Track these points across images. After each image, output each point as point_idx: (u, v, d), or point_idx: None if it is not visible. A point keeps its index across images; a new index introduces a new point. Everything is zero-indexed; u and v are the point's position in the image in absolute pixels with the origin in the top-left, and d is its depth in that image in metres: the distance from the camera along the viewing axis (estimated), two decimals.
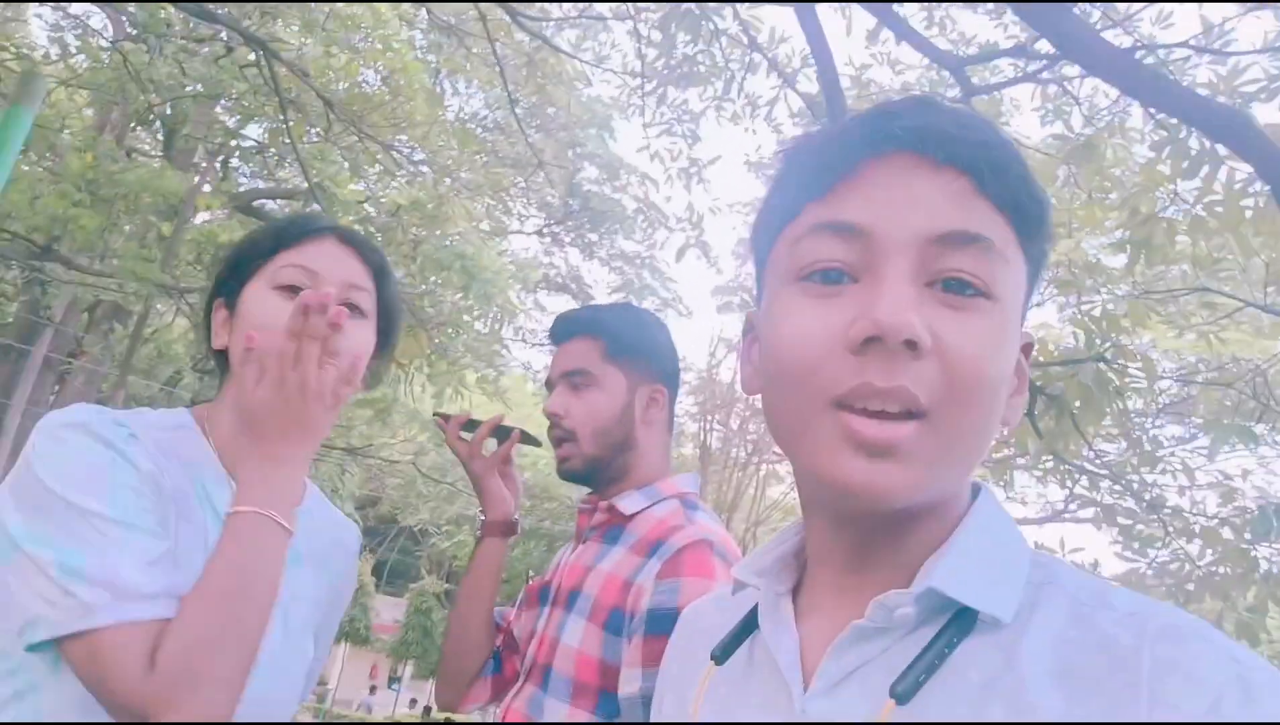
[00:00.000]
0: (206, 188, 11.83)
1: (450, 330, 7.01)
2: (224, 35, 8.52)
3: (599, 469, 1.41)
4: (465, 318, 7.24)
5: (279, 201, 13.68)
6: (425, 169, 7.27)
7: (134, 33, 8.79)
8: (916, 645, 0.55)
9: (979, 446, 0.55)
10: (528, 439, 1.54)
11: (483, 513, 1.51)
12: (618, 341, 1.43)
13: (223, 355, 1.12)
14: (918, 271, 0.54)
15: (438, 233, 7.01)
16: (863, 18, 4.29)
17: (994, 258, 0.54)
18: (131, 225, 9.15)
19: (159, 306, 13.83)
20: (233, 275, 1.12)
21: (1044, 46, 3.68)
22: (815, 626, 0.61)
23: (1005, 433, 0.60)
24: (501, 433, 1.52)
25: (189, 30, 8.11)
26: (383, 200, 7.39)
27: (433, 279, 6.94)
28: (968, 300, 0.54)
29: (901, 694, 0.53)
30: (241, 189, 13.22)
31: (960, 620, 0.54)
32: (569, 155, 11.93)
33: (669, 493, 1.39)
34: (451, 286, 6.96)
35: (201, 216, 11.32)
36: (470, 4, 5.58)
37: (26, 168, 9.01)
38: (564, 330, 1.47)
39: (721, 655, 0.67)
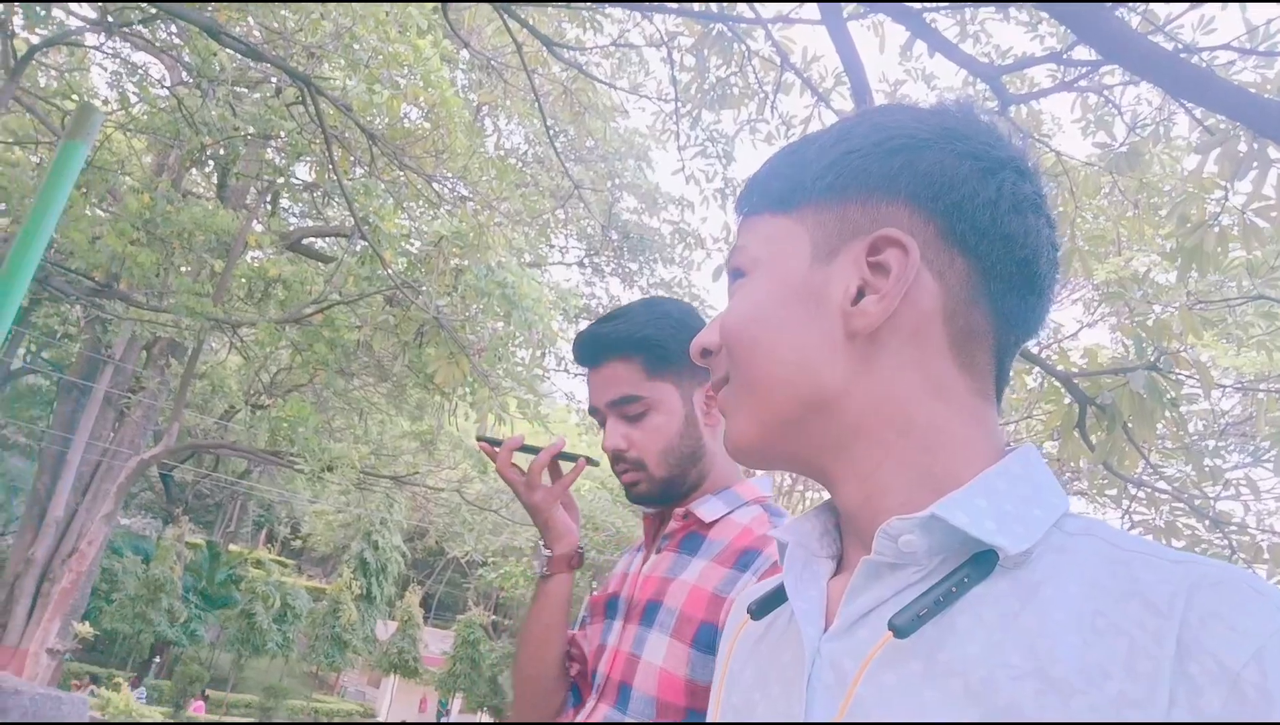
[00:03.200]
0: (258, 226, 12.20)
1: (492, 356, 7.09)
2: (273, 79, 8.84)
3: (674, 488, 1.31)
4: (506, 345, 7.31)
5: (327, 239, 14.05)
6: (467, 200, 7.41)
7: (189, 78, 9.16)
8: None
9: (767, 376, 0.62)
10: (592, 463, 1.43)
11: (547, 547, 1.39)
12: (656, 354, 1.31)
13: None
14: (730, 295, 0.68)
15: (478, 262, 7.12)
16: (896, 33, 4.28)
17: (741, 250, 0.67)
18: (186, 263, 9.47)
19: (213, 343, 14.23)
20: None
21: (1082, 54, 3.62)
22: (845, 579, 0.61)
23: (864, 324, 0.60)
24: (563, 458, 1.41)
25: (240, 73, 8.43)
26: (425, 232, 7.54)
27: (474, 307, 7.03)
28: (735, 286, 0.67)
29: (900, 627, 0.52)
30: (291, 227, 13.61)
31: (979, 562, 0.54)
32: (608, 186, 12.07)
33: (749, 497, 1.31)
34: (492, 314, 7.05)
35: (254, 254, 11.67)
36: (505, 34, 5.70)
37: (89, 211, 9.40)
38: (594, 353, 1.35)
39: (758, 610, 0.67)
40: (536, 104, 5.60)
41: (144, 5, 6.43)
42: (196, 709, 16.58)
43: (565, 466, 1.45)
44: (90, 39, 9.34)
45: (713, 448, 1.33)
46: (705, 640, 1.16)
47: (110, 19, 7.63)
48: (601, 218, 10.88)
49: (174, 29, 8.58)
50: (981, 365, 0.60)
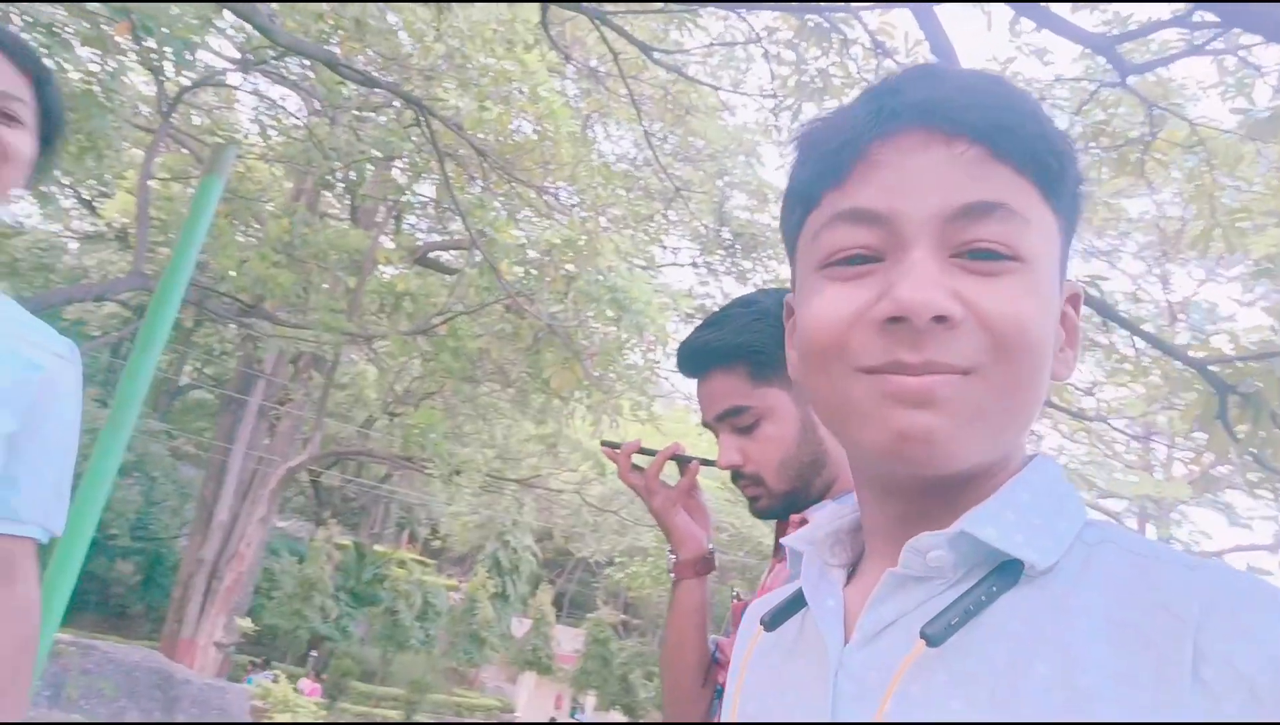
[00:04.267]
0: (388, 243, 12.89)
1: (604, 360, 7.22)
2: (394, 103, 9.32)
3: (797, 500, 1.23)
4: (618, 349, 7.43)
5: (451, 252, 14.69)
6: (575, 208, 7.59)
7: (320, 109, 9.79)
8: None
9: (1025, 403, 0.55)
10: (706, 464, 1.39)
11: (673, 552, 1.36)
12: (758, 359, 1.21)
13: None
14: (941, 247, 0.54)
15: (589, 267, 7.27)
16: (1003, 10, 4.09)
17: (1017, 221, 0.54)
18: (323, 281, 10.13)
19: (352, 356, 15.15)
20: None
21: (1206, 16, 3.35)
22: (861, 588, 0.61)
23: (1062, 374, 0.57)
24: (680, 462, 1.38)
25: (363, 100, 8.94)
26: (538, 241, 7.76)
27: (586, 312, 7.19)
28: (997, 264, 0.53)
29: (932, 636, 0.51)
30: (419, 243, 14.30)
31: (1005, 572, 0.53)
32: (717, 185, 12.03)
33: None
34: (604, 318, 7.18)
35: (385, 269, 12.34)
36: (603, 45, 5.81)
37: (241, 239, 10.22)
38: (694, 365, 1.28)
39: (771, 622, 0.67)
40: (635, 109, 5.67)
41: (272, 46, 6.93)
42: (311, 693, 17.48)
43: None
44: (233, 78, 10.15)
45: (836, 452, 1.23)
46: None
47: (248, 57, 8.26)
48: (711, 217, 10.87)
49: (305, 63, 9.20)
50: None
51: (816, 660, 0.59)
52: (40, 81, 1.15)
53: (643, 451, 1.38)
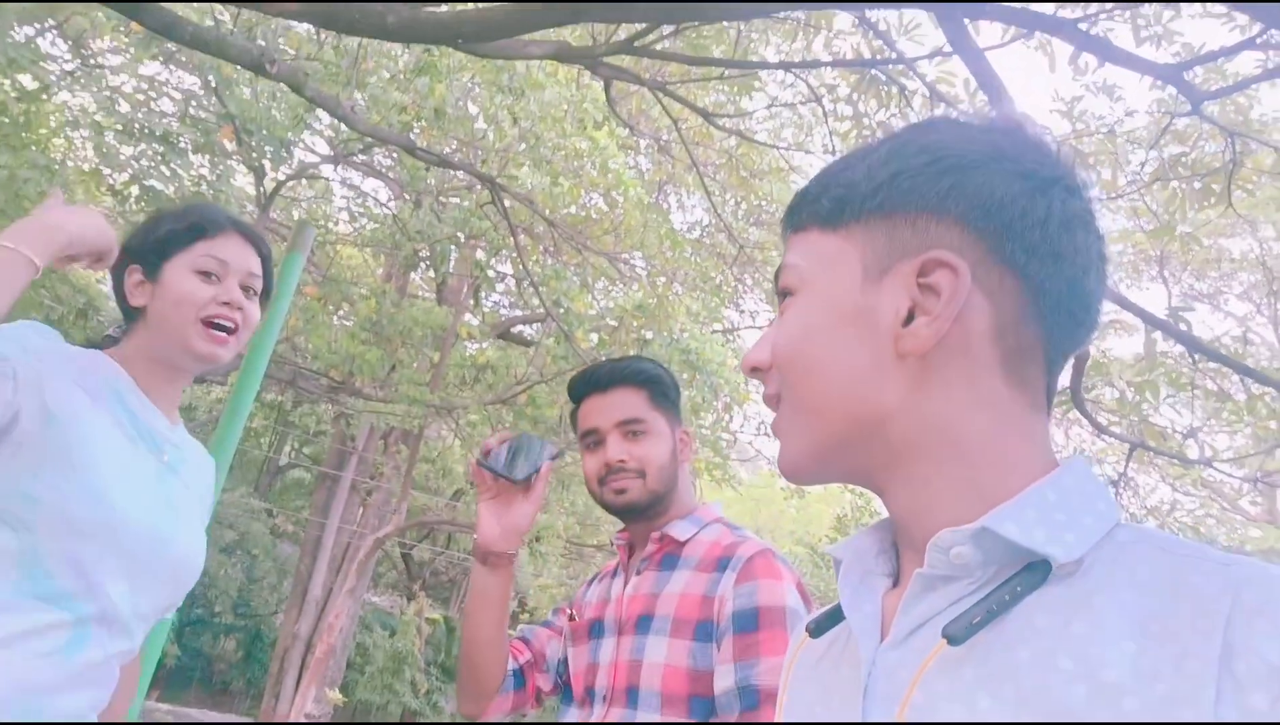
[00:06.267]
0: (473, 320, 13.32)
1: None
2: (474, 188, 9.76)
3: (655, 502, 1.54)
4: (694, 412, 7.42)
5: (532, 327, 15.07)
6: (644, 274, 7.71)
7: (402, 194, 10.33)
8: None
9: (821, 395, 0.63)
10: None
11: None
12: (659, 389, 1.58)
13: (134, 311, 1.41)
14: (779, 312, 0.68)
15: (663, 332, 7.34)
16: (1063, 48, 4.04)
17: (795, 269, 0.66)
18: (408, 357, 10.50)
19: (441, 431, 15.55)
20: (151, 251, 1.40)
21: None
22: (899, 594, 0.63)
23: (915, 346, 0.61)
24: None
25: (444, 184, 9.39)
26: (611, 307, 7.90)
27: None
28: (785, 304, 0.67)
29: (954, 635, 0.53)
30: (502, 317, 14.73)
31: (1032, 571, 0.55)
32: None
33: (710, 518, 1.57)
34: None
35: (470, 345, 12.72)
36: (667, 116, 5.97)
37: (337, 323, 10.74)
38: (607, 379, 1.60)
39: (816, 629, 0.70)
40: (698, 176, 5.78)
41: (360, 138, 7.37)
42: None
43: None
44: (325, 171, 10.82)
45: (681, 481, 1.59)
46: (704, 633, 1.38)
47: (338, 151, 8.80)
48: None
49: (393, 155, 9.76)
50: (1032, 380, 0.61)
51: (854, 662, 0.62)
52: (265, 258, 1.47)
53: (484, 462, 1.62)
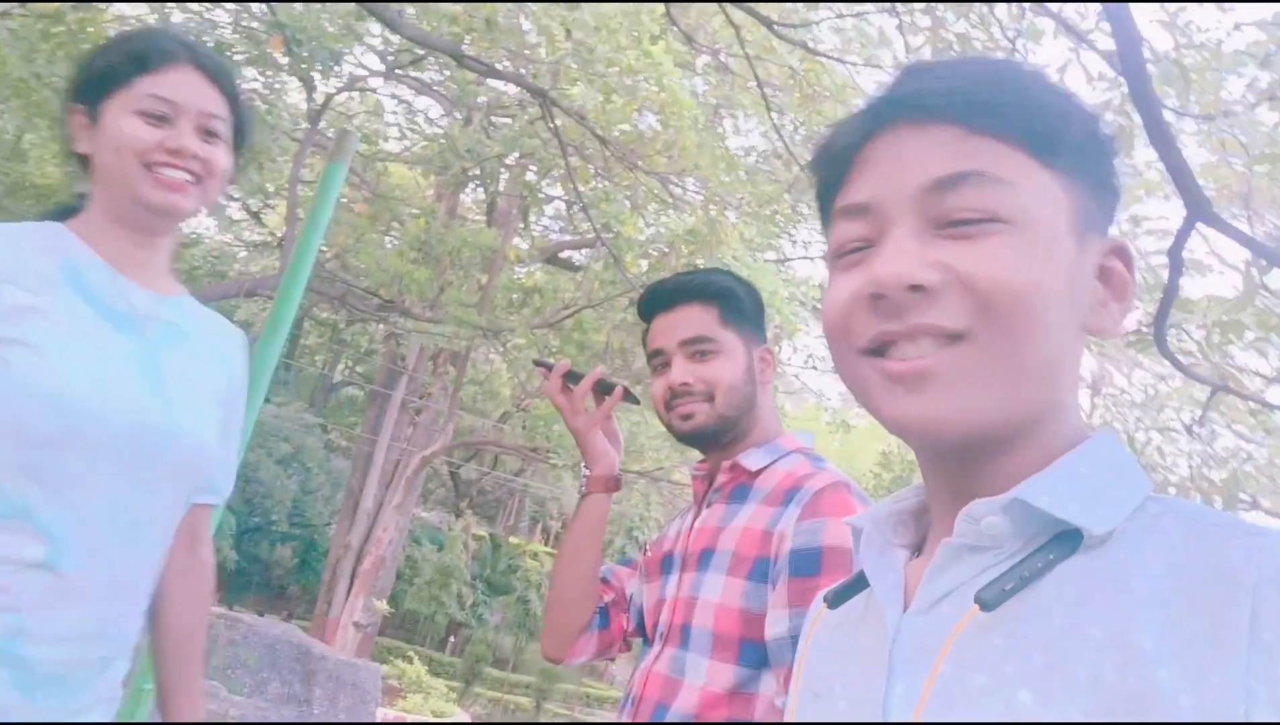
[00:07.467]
0: (522, 243, 13.22)
1: None
2: (526, 105, 9.53)
3: (726, 428, 1.40)
4: None
5: (581, 253, 14.93)
6: (699, 198, 7.48)
7: (453, 112, 10.15)
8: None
9: (1033, 361, 0.55)
10: (629, 397, 1.55)
11: (586, 468, 1.54)
12: (731, 305, 1.44)
13: (83, 160, 1.23)
14: (923, 223, 0.56)
15: (713, 258, 7.16)
16: None
17: (995, 185, 0.55)
18: (457, 278, 10.49)
19: (490, 355, 15.67)
20: (92, 86, 1.20)
21: None
22: (923, 564, 0.61)
23: (1109, 330, 0.58)
24: (603, 387, 1.54)
25: (495, 99, 9.18)
26: (662, 233, 7.72)
27: None
28: (976, 228, 0.55)
29: (986, 601, 0.52)
30: (551, 241, 14.62)
31: (1062, 541, 0.54)
32: None
33: (791, 447, 1.42)
34: None
35: (519, 268, 12.67)
36: (728, 28, 5.66)
37: (388, 243, 10.73)
38: (672, 296, 1.46)
39: (834, 599, 0.69)
40: (760, 91, 5.50)
41: (410, 48, 7.20)
42: None
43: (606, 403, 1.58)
44: (376, 85, 10.67)
45: (761, 405, 1.43)
46: (760, 572, 1.25)
47: (389, 61, 8.63)
48: None
49: (445, 72, 9.56)
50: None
51: (877, 630, 0.60)
52: (234, 98, 1.26)
53: (572, 374, 1.54)
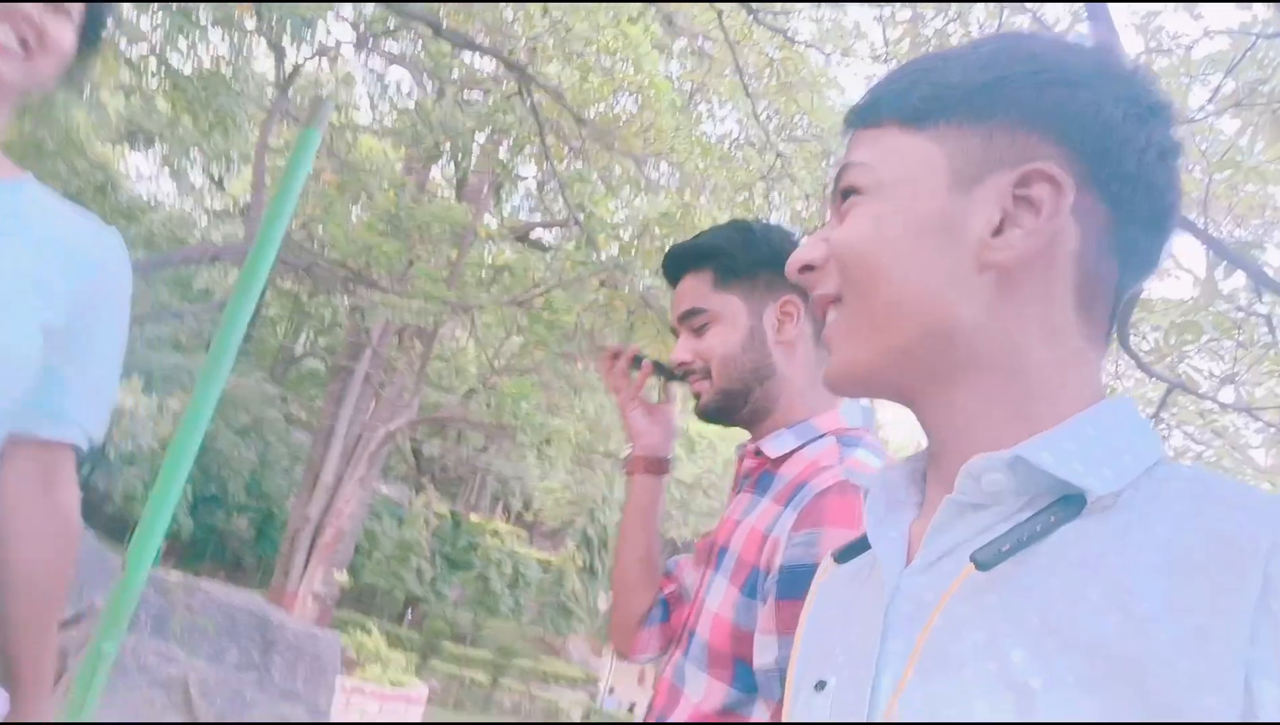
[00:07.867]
0: (492, 221, 13.11)
1: None
2: (501, 80, 9.44)
3: (734, 404, 1.24)
4: None
5: (552, 233, 14.86)
6: (674, 181, 7.48)
7: (425, 84, 10.01)
8: None
9: (889, 309, 0.60)
10: (662, 371, 1.44)
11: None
12: (724, 264, 1.26)
13: None
14: (835, 214, 0.65)
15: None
16: None
17: (857, 167, 0.62)
18: (426, 253, 10.37)
19: (456, 332, 15.54)
20: None
21: None
22: (926, 521, 0.61)
23: (1005, 258, 0.58)
24: (662, 371, 1.42)
25: (468, 75, 9.08)
26: (635, 217, 7.71)
27: None
28: (848, 204, 0.63)
29: (982, 561, 0.52)
30: (523, 222, 14.51)
31: (1066, 504, 0.54)
32: (821, 165, 11.68)
33: (826, 429, 1.18)
34: None
35: (489, 246, 12.56)
36: (711, 10, 5.66)
37: (356, 215, 10.57)
38: (672, 268, 1.34)
39: (841, 556, 0.69)
40: (739, 74, 5.51)
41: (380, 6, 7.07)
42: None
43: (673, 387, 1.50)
44: (348, 55, 10.48)
45: (787, 372, 1.24)
46: (751, 585, 1.09)
47: (362, 33, 8.47)
48: (816, 200, 10.58)
49: (418, 44, 9.41)
50: (1098, 311, 0.60)
51: (877, 586, 0.61)
52: None
53: (637, 358, 1.49)
